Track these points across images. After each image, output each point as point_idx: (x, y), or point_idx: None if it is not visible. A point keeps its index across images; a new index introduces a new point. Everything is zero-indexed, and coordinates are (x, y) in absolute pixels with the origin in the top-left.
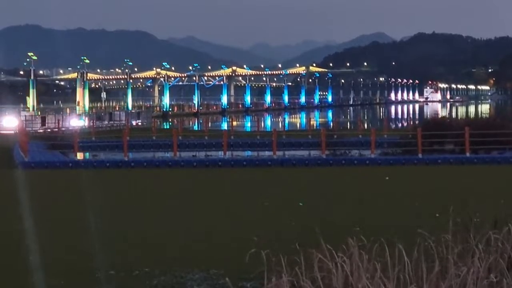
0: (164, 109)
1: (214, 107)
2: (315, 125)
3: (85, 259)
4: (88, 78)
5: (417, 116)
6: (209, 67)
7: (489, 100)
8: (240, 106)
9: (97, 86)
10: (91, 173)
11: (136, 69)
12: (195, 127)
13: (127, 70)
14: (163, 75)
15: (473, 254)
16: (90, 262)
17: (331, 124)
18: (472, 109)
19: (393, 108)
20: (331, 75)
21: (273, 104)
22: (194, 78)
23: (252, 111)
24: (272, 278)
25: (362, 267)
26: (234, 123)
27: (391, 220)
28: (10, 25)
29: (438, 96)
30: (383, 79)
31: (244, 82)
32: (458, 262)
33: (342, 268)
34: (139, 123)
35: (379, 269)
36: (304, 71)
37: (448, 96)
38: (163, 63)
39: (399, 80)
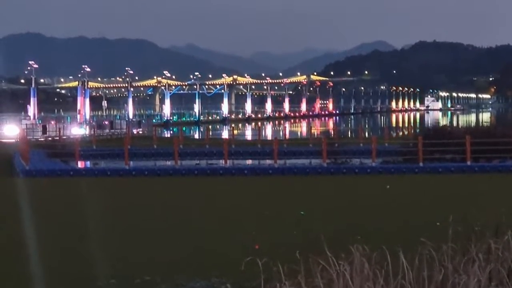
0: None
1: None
2: (316, 133)
3: (86, 268)
4: (89, 86)
5: (418, 125)
6: (210, 76)
7: (490, 109)
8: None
9: (98, 94)
10: (92, 181)
11: (137, 78)
12: (196, 136)
13: (128, 79)
14: (164, 84)
15: (473, 262)
16: (91, 270)
17: (332, 132)
18: (473, 117)
19: (394, 116)
20: (332, 84)
21: (277, 113)
22: (195, 86)
23: (253, 119)
24: (276, 285)
25: (363, 275)
26: (235, 131)
27: (392, 229)
28: (11, 33)
29: (439, 104)
30: (384, 87)
31: (245, 91)
32: (459, 271)
33: (343, 276)
34: (140, 132)
35: (380, 277)
36: (305, 80)
37: (449, 105)
38: (164, 72)
39: (400, 88)
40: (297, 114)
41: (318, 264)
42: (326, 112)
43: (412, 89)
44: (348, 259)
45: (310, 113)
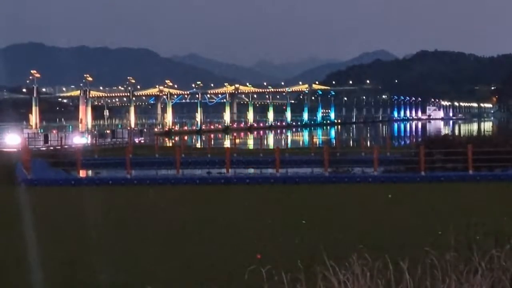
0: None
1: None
2: (317, 142)
3: (86, 276)
4: (90, 95)
5: (419, 134)
6: (212, 85)
7: (492, 118)
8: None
9: (99, 103)
10: (93, 190)
11: (139, 87)
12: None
13: (130, 88)
14: (166, 93)
15: (476, 271)
16: (91, 279)
17: (334, 142)
18: (475, 126)
19: (396, 125)
20: (333, 93)
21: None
22: (197, 95)
23: (254, 128)
24: None
25: (365, 284)
26: (237, 140)
27: (394, 238)
28: (13, 43)
29: (440, 113)
30: (386, 96)
31: (247, 100)
32: (461, 280)
33: (345, 286)
34: (142, 141)
35: (382, 286)
36: (307, 89)
37: (451, 114)
38: (166, 81)
39: (402, 97)
40: (298, 123)
41: (320, 273)
42: (328, 122)
43: (413, 98)
44: (350, 268)
45: (312, 122)
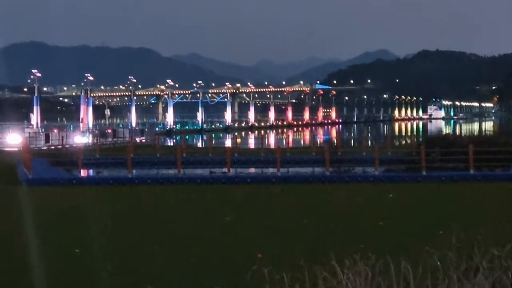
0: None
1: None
2: (319, 142)
3: (86, 278)
4: (92, 95)
5: (420, 133)
6: (213, 84)
7: (493, 117)
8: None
9: (101, 103)
10: (94, 190)
11: (140, 86)
12: (199, 144)
13: (131, 87)
14: (167, 92)
15: (477, 271)
16: (91, 280)
17: (335, 141)
18: (476, 126)
19: (396, 125)
20: (335, 92)
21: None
22: (198, 95)
23: (256, 128)
24: None
25: (366, 284)
26: (238, 140)
27: (395, 237)
28: (14, 42)
29: (441, 113)
30: (387, 96)
31: (248, 99)
32: (462, 280)
33: (346, 285)
34: (143, 140)
35: (383, 286)
36: (308, 88)
37: (452, 113)
38: (167, 80)
39: (403, 97)
40: (300, 122)
41: (321, 273)
42: (329, 121)
43: (415, 98)
44: (351, 267)
45: (313, 121)
